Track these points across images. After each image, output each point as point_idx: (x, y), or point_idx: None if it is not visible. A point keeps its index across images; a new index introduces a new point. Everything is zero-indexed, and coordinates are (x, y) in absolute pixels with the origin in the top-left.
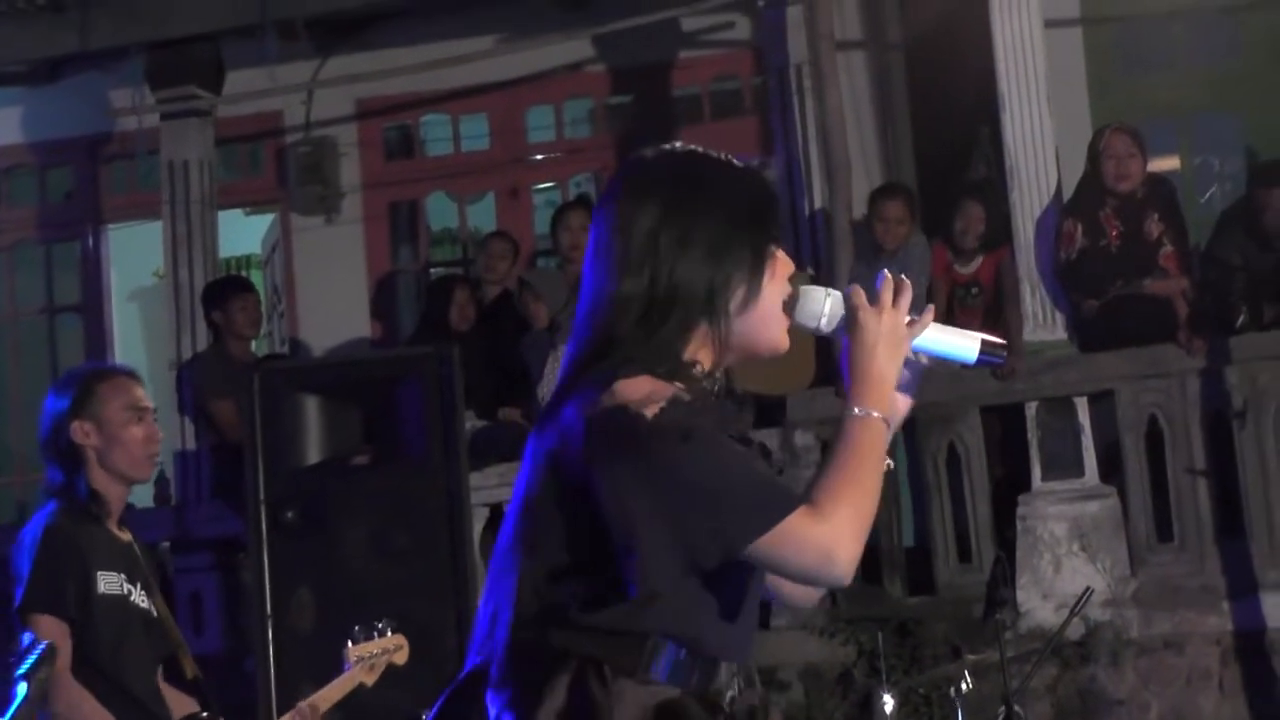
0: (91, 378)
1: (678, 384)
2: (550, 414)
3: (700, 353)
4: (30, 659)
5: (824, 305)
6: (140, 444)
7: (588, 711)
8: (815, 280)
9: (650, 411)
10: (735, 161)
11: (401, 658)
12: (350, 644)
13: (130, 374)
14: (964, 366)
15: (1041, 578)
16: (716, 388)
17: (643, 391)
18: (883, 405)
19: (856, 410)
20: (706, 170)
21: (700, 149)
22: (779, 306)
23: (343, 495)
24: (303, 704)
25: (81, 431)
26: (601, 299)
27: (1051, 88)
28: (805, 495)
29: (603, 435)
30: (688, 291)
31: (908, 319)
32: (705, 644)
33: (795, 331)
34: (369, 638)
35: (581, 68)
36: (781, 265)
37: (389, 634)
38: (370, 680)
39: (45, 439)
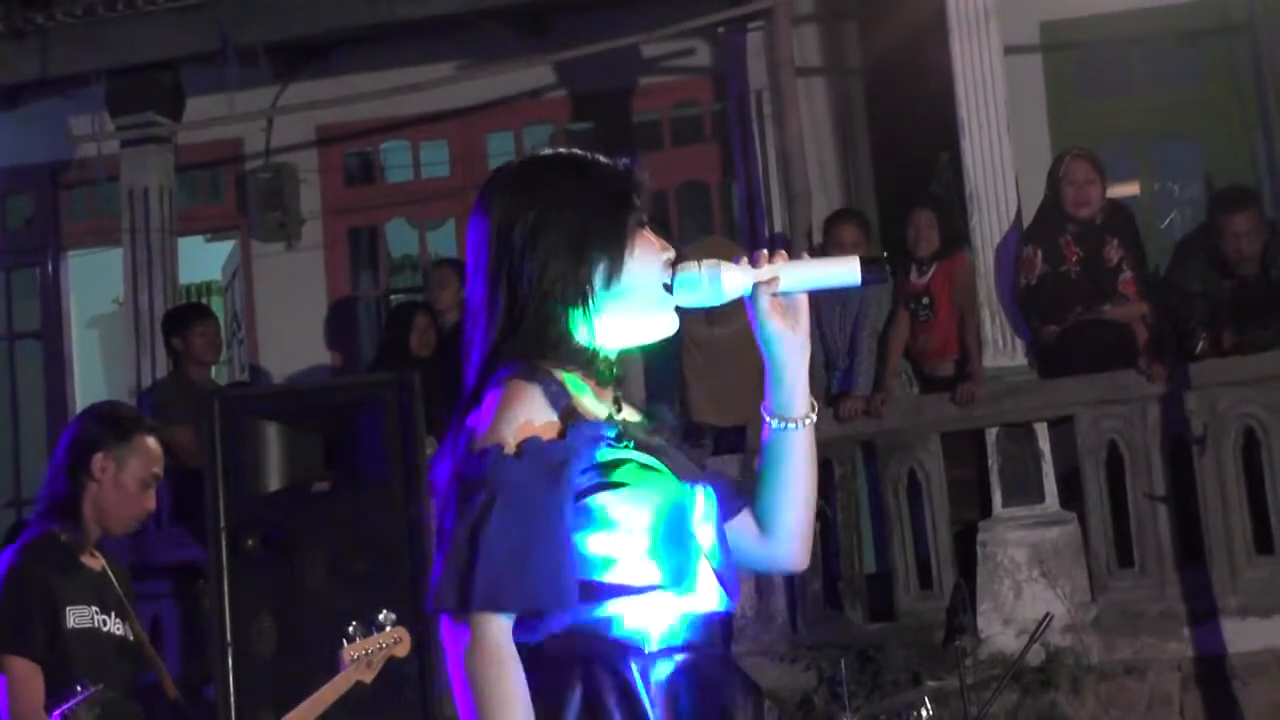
0: (134, 425)
1: (566, 370)
2: (456, 425)
3: (585, 336)
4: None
5: (702, 278)
6: (137, 508)
7: None
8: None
9: (502, 444)
10: (590, 156)
11: (403, 650)
12: (345, 643)
13: (161, 439)
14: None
15: (1002, 604)
16: (611, 368)
17: (505, 419)
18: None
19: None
20: (552, 167)
21: (555, 150)
22: (653, 284)
23: (303, 522)
24: None
25: (101, 465)
26: (478, 309)
27: (1011, 114)
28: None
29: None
30: (550, 282)
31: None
32: None
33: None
34: (367, 634)
35: (542, 94)
36: (651, 244)
37: (389, 627)
38: (369, 677)
39: (62, 456)
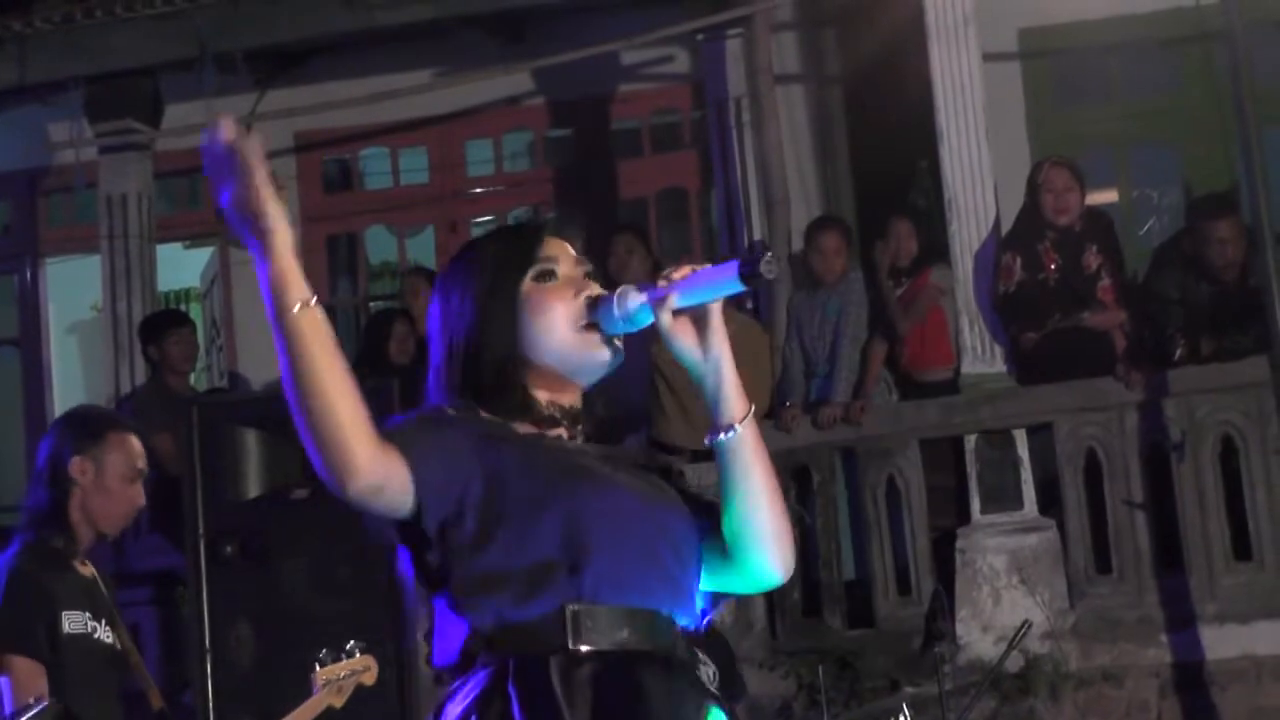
0: (106, 424)
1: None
2: None
3: (515, 385)
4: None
5: (612, 309)
6: (125, 503)
7: None
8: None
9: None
10: (500, 230)
11: (370, 678)
12: (318, 667)
13: (140, 435)
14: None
15: (981, 610)
16: (565, 412)
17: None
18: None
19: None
20: (468, 247)
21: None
22: (563, 323)
23: (282, 529)
24: None
25: (79, 468)
26: (431, 370)
27: (990, 121)
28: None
29: None
30: (475, 342)
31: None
32: None
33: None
34: (336, 659)
35: (520, 101)
36: (552, 293)
37: (357, 655)
38: (339, 702)
39: (41, 465)
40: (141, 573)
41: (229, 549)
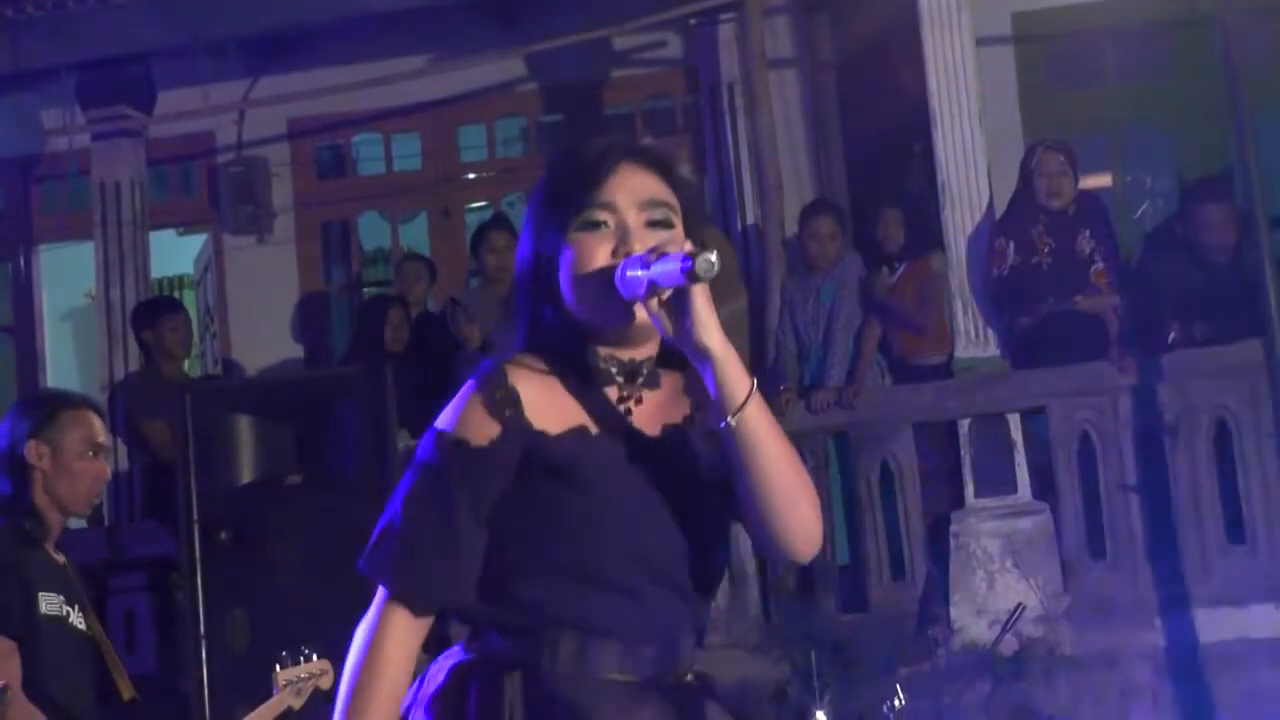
0: (58, 403)
1: (549, 365)
2: None
3: (562, 330)
4: None
5: (630, 274)
6: (88, 479)
7: None
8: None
9: (438, 429)
10: (563, 154)
11: (327, 682)
12: (278, 668)
13: (94, 408)
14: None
15: (975, 594)
16: (621, 368)
17: (453, 409)
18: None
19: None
20: (550, 163)
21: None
22: (589, 280)
23: (276, 515)
24: None
25: (35, 453)
26: (513, 312)
27: (983, 105)
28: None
29: None
30: (528, 287)
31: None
32: None
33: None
34: (296, 662)
35: (513, 87)
36: (601, 241)
37: (314, 659)
38: (298, 704)
39: (1, 452)
40: (135, 560)
41: (223, 535)
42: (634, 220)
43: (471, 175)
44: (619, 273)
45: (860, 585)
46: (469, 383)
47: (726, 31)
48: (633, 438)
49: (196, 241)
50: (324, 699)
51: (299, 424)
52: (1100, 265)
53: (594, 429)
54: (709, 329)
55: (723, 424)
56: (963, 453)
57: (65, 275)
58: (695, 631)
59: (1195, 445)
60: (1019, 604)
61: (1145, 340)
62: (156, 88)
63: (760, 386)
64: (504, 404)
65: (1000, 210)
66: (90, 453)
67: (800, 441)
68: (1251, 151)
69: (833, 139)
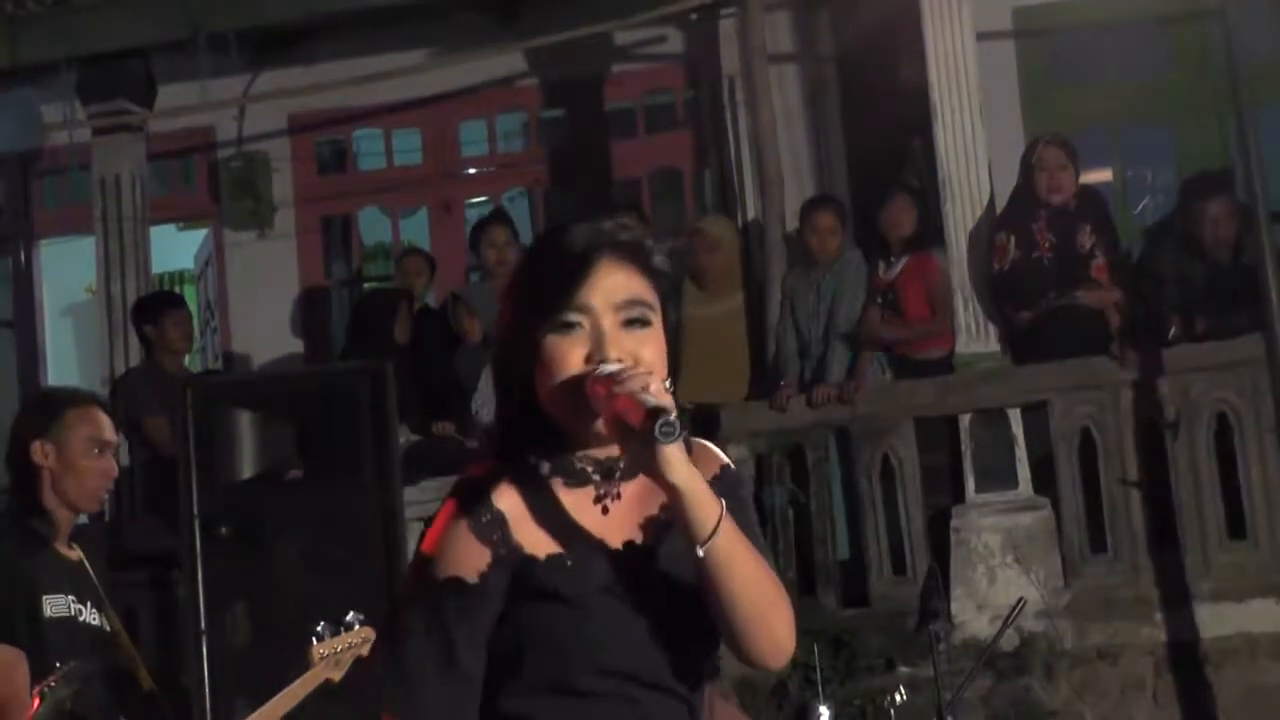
0: (62, 402)
1: (540, 464)
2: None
3: (569, 437)
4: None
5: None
6: (95, 477)
7: None
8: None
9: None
10: (538, 253)
11: (368, 650)
12: (315, 641)
13: (101, 405)
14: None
15: (975, 589)
16: (597, 467)
17: (440, 534)
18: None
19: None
20: (528, 251)
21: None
22: (560, 385)
23: (277, 510)
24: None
25: (41, 452)
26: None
27: (984, 100)
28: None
29: None
30: (499, 364)
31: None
32: None
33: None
34: (335, 633)
35: (514, 82)
36: (574, 343)
37: (356, 627)
38: (337, 676)
39: (8, 452)
40: (136, 555)
41: (223, 530)
42: (609, 324)
43: (472, 170)
44: (590, 384)
45: (861, 580)
46: (450, 501)
47: (727, 26)
48: (614, 550)
49: (197, 236)
50: (332, 691)
51: (300, 419)
52: (1101, 260)
53: (577, 545)
54: (673, 465)
55: (691, 551)
56: (964, 448)
57: (66, 270)
58: (692, 715)
59: (1196, 440)
60: (1020, 599)
61: (1146, 335)
62: (157, 82)
63: (762, 382)
64: (491, 529)
65: (1001, 205)
66: (96, 450)
67: (801, 436)
68: (1252, 146)
69: (833, 134)
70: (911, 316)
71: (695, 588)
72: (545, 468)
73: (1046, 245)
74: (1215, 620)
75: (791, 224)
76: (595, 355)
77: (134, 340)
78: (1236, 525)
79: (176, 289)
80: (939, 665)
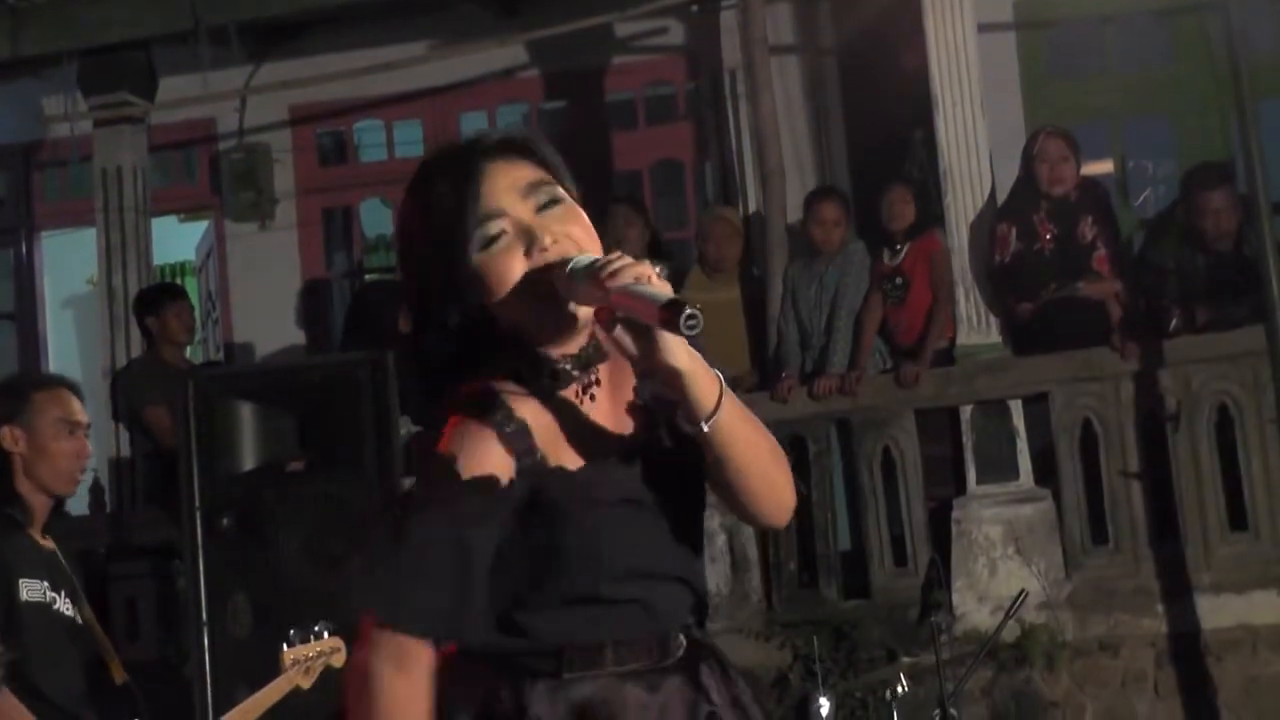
0: (29, 386)
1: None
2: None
3: (538, 343)
4: None
5: (563, 283)
6: (68, 458)
7: None
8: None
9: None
10: (423, 178)
11: (339, 660)
12: (286, 647)
13: (70, 386)
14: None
15: (977, 581)
16: (575, 362)
17: (454, 443)
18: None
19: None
20: (409, 191)
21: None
22: (518, 292)
23: (278, 501)
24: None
25: (11, 438)
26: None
27: (985, 91)
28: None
29: None
30: (423, 313)
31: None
32: None
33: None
34: (305, 640)
35: (515, 73)
36: (506, 252)
37: (326, 636)
38: (307, 683)
39: None
40: (138, 546)
41: (225, 521)
42: (526, 214)
43: None
44: (562, 283)
45: (862, 572)
46: (455, 416)
47: (728, 17)
48: (626, 452)
49: (198, 228)
50: (332, 680)
51: (301, 410)
52: (1102, 251)
53: (596, 456)
54: (675, 351)
55: (695, 429)
56: (965, 439)
57: (67, 262)
58: (695, 595)
59: (1197, 431)
60: (1021, 590)
61: (1147, 326)
62: (158, 74)
63: (762, 373)
64: (519, 439)
65: (1002, 196)
66: (68, 431)
67: (802, 428)
68: (1253, 137)
69: (834, 125)
70: (917, 302)
71: (686, 457)
72: (540, 372)
73: (1047, 237)
74: (1216, 612)
75: (793, 216)
76: (533, 249)
77: (135, 332)
78: (1238, 517)
79: (178, 281)
80: (940, 657)
